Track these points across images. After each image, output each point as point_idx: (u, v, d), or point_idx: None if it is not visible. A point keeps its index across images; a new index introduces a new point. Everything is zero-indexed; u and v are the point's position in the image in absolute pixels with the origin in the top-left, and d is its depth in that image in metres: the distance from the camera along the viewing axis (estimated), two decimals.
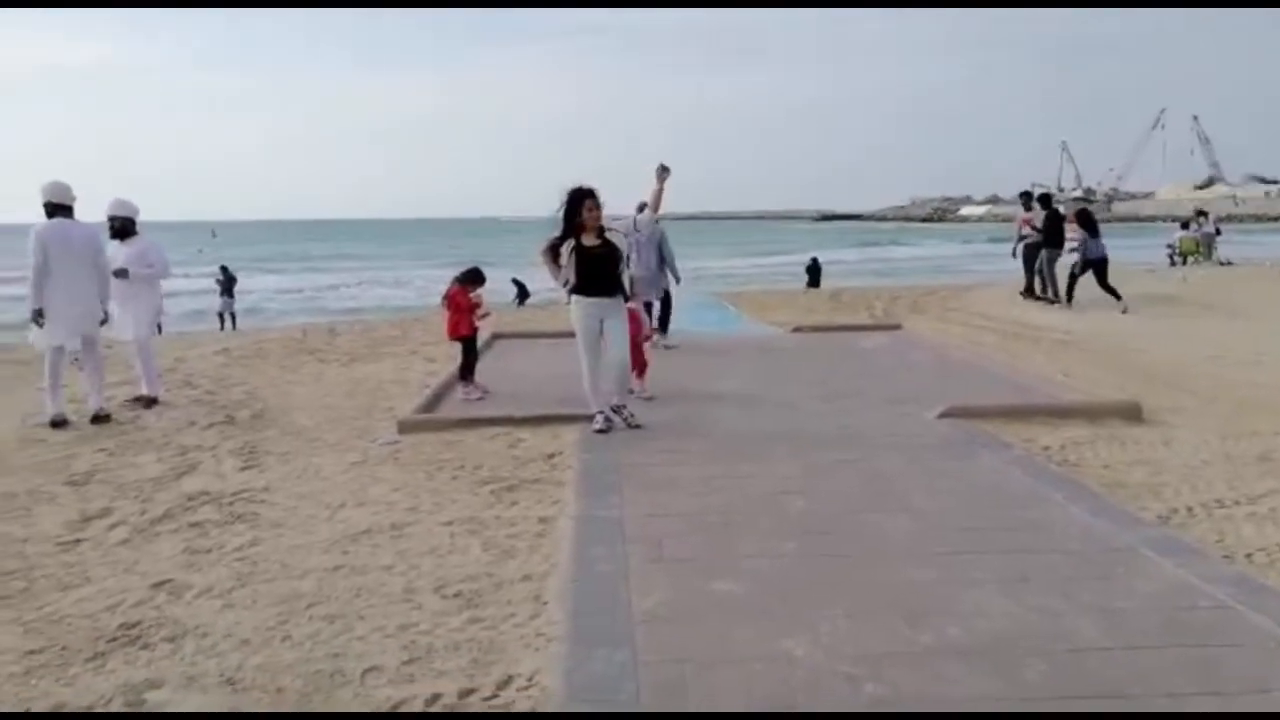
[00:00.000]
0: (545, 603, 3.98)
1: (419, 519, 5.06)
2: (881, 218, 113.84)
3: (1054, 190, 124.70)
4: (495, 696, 3.24)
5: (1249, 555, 4.34)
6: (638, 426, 6.89)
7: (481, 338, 9.30)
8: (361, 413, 7.81)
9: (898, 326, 12.59)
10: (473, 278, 8.49)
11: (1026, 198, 15.70)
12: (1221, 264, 23.54)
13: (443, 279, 10.22)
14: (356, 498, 5.47)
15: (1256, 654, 3.38)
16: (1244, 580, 4.03)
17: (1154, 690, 3.13)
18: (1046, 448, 6.21)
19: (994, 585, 4.00)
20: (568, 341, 11.52)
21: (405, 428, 7.00)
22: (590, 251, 6.78)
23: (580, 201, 6.69)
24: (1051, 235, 14.77)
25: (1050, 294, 14.82)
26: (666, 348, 10.45)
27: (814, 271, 24.89)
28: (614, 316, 6.93)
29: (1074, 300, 14.22)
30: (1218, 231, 25.97)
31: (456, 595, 4.07)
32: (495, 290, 11.54)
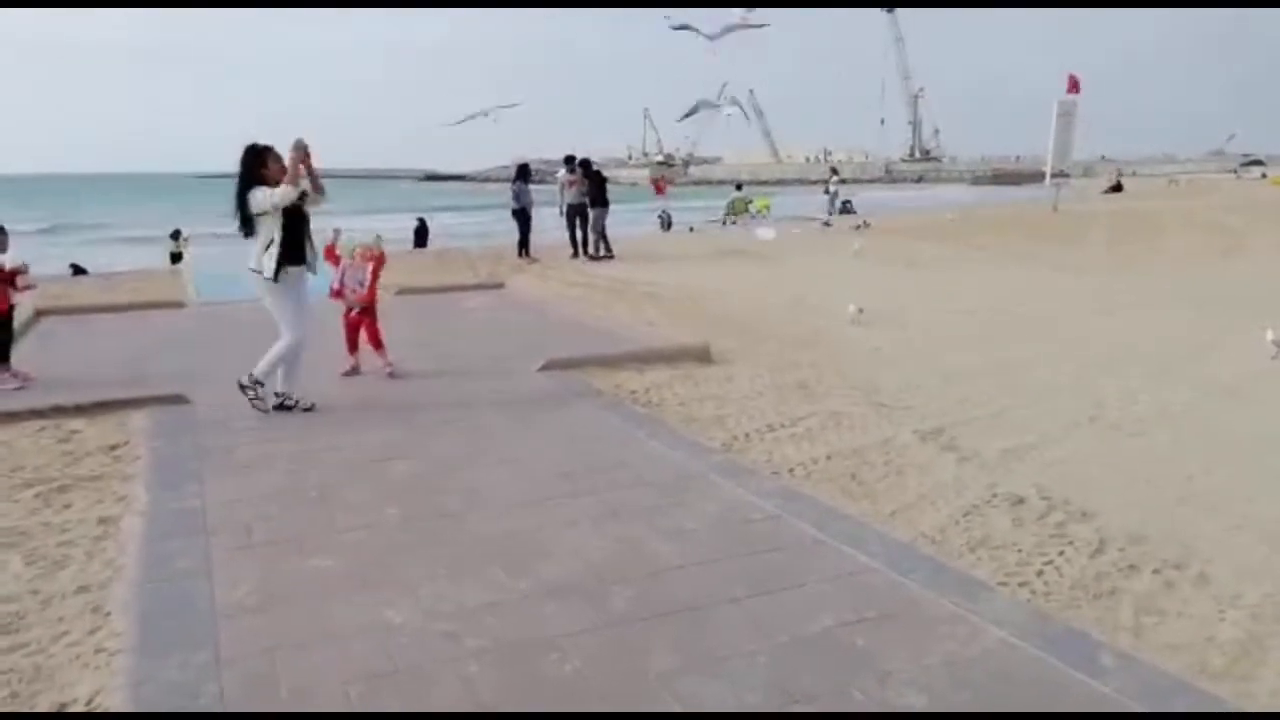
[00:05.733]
0: (108, 613, 3.50)
1: None
2: (486, 179, 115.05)
3: (640, 153, 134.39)
4: None
5: (791, 470, 5.08)
6: (310, 408, 6.26)
7: (21, 316, 7.88)
8: None
9: (501, 285, 12.83)
10: None
11: (569, 162, 16.86)
12: (827, 224, 26.27)
13: None
14: None
15: (796, 554, 3.96)
16: (787, 492, 4.70)
17: (719, 599, 3.54)
18: (633, 391, 6.73)
19: (587, 523, 4.26)
20: (129, 316, 10.29)
21: None
22: (295, 212, 5.99)
23: (263, 156, 5.90)
24: (598, 195, 16.23)
25: (605, 249, 16.17)
26: None
27: (421, 233, 24.49)
28: (305, 290, 6.23)
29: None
30: (836, 193, 29.81)
31: None
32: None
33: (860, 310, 9.54)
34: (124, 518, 4.43)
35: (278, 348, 6.15)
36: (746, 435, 5.70)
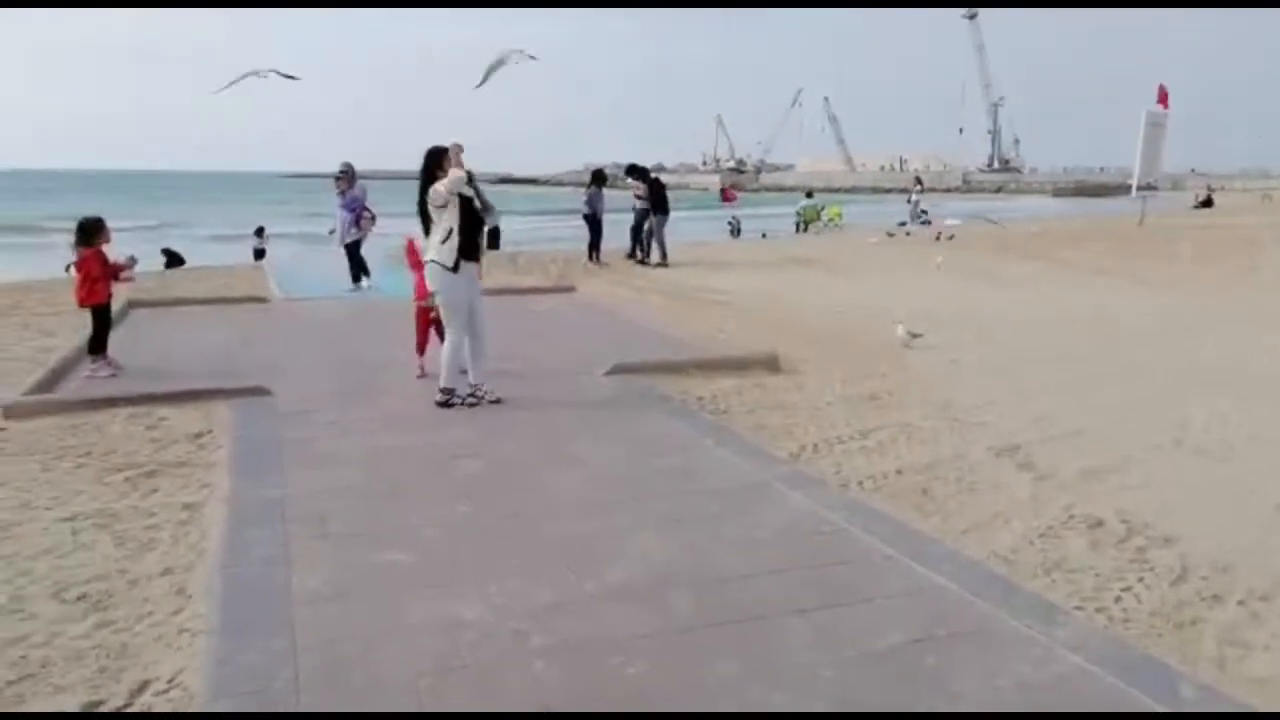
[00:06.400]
0: (190, 596, 3.64)
1: (32, 517, 4.40)
2: (559, 183, 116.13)
3: (712, 159, 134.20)
4: (129, 705, 2.92)
5: (860, 483, 5.01)
6: (498, 400, 6.48)
7: (115, 306, 8.23)
8: None
9: (571, 289, 12.93)
10: (97, 227, 7.35)
11: (631, 170, 16.88)
12: (907, 232, 25.75)
13: None
14: None
15: (864, 568, 3.91)
16: (856, 505, 4.64)
17: (785, 609, 3.52)
18: (701, 398, 6.72)
19: (652, 528, 4.27)
20: (215, 309, 10.68)
21: (14, 413, 6.02)
22: (473, 212, 6.28)
23: (440, 157, 6.18)
24: (658, 203, 16.10)
25: (660, 257, 16.06)
26: None
27: (494, 235, 24.83)
28: (477, 285, 6.49)
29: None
30: (918, 202, 29.64)
31: (80, 599, 3.61)
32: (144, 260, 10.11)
33: (913, 334, 8.75)
34: (207, 504, 4.59)
35: (445, 352, 6.44)
36: (815, 446, 5.65)
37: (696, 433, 5.85)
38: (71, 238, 7.43)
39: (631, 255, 16.44)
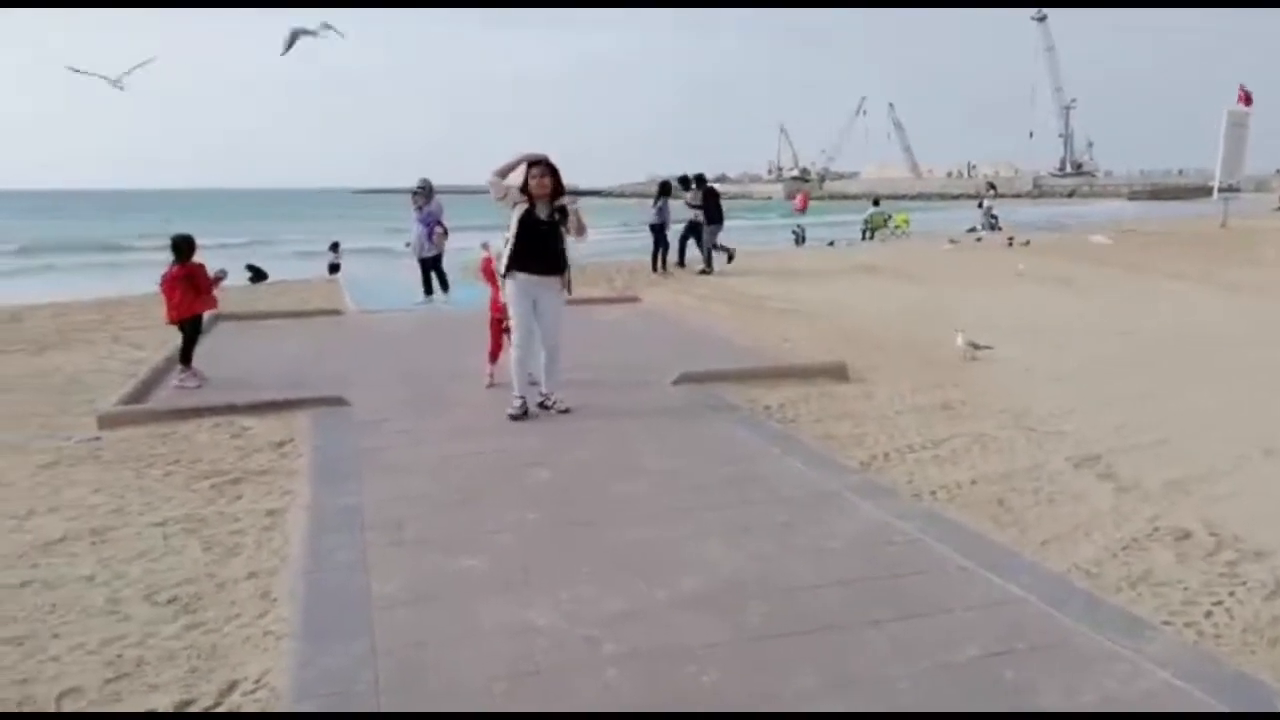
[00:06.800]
0: (275, 599, 3.76)
1: (126, 521, 4.59)
2: (621, 194, 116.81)
3: (776, 168, 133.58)
4: (218, 704, 3.02)
5: (933, 493, 4.93)
6: (566, 411, 6.52)
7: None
8: (54, 408, 6.92)
9: (636, 299, 12.99)
10: (191, 244, 7.67)
11: (684, 181, 16.87)
12: (978, 238, 25.36)
13: None
14: (47, 503, 4.86)
15: (939, 580, 3.84)
16: (930, 515, 4.57)
17: (859, 620, 3.48)
18: (768, 407, 6.69)
19: (720, 537, 4.26)
20: (293, 322, 11.00)
21: (107, 422, 6.29)
22: (537, 223, 6.23)
23: (526, 169, 6.21)
24: (711, 212, 15.96)
25: (706, 264, 15.98)
26: None
27: None
28: (549, 297, 6.41)
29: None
30: (990, 208, 29.26)
31: (171, 601, 3.74)
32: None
33: (976, 345, 8.30)
34: (289, 510, 4.74)
35: (511, 360, 6.50)
36: (886, 455, 5.57)
37: (764, 441, 5.82)
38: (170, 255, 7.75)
39: (680, 264, 16.51)
